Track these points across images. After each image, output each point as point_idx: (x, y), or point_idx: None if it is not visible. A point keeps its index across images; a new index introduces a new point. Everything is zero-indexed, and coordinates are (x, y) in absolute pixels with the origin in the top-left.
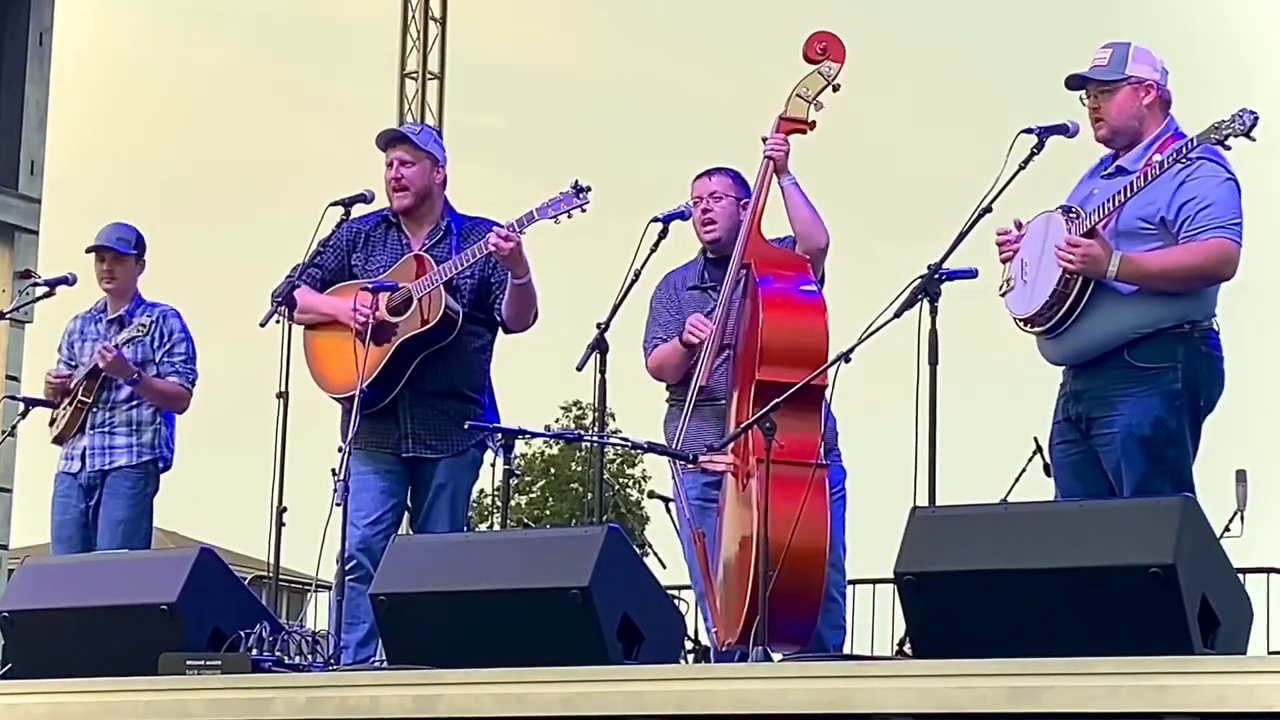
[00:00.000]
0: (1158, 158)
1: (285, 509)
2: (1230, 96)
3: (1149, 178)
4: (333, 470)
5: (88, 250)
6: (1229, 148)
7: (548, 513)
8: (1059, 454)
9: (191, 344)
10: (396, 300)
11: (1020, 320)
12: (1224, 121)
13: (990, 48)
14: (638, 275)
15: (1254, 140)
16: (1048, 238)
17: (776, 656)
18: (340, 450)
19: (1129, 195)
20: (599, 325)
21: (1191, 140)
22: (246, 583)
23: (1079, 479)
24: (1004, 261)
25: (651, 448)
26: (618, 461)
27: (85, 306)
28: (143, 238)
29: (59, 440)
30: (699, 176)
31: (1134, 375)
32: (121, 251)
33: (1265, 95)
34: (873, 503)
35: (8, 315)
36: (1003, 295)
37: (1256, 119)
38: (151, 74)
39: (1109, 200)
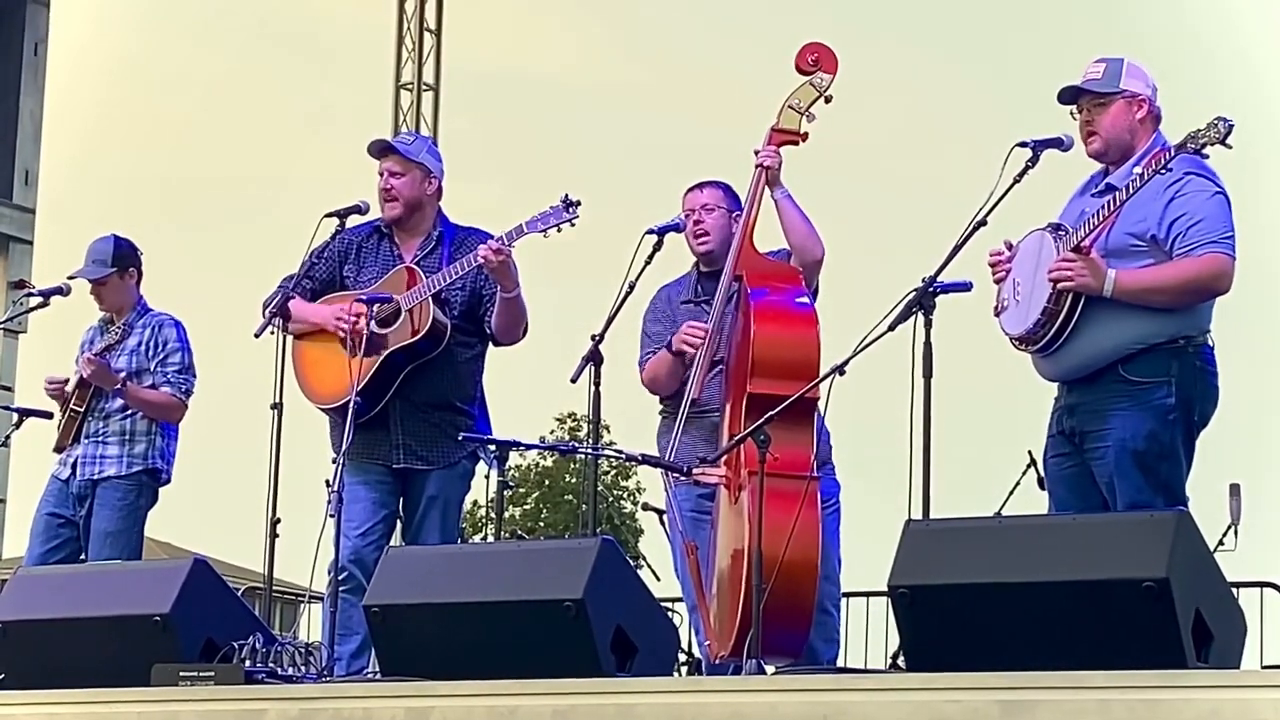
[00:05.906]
0: (1137, 170)
1: (279, 520)
2: (1231, 98)
3: (1131, 191)
4: (326, 481)
5: (70, 278)
6: (1206, 156)
7: (541, 524)
8: (1053, 468)
9: (188, 353)
10: (386, 312)
11: (1015, 339)
12: (1200, 130)
13: (987, 58)
14: (632, 287)
15: (1230, 148)
16: (1040, 257)
17: (769, 669)
18: (334, 461)
19: (1112, 209)
20: (594, 337)
21: (1170, 149)
22: (240, 594)
23: (1073, 493)
24: (997, 282)
25: (645, 460)
26: (612, 474)
27: (91, 317)
28: (123, 246)
29: (58, 449)
30: (690, 189)
31: (1127, 390)
32: (95, 279)
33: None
34: (867, 515)
35: (1, 325)
36: (997, 315)
37: (1231, 127)
38: (148, 85)
39: (1094, 215)
